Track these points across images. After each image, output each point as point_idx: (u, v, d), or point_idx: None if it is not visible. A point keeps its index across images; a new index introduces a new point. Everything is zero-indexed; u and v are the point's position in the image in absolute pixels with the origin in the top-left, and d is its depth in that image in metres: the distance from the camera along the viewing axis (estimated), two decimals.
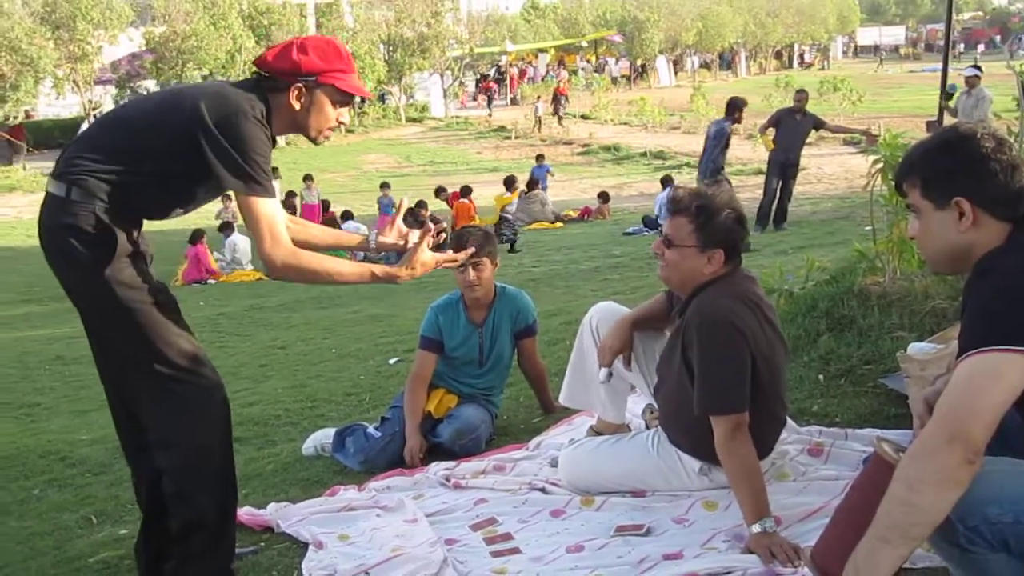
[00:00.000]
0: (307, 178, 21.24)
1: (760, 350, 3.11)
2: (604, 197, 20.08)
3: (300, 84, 2.95)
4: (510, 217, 16.70)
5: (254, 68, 3.04)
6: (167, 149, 2.85)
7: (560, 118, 37.49)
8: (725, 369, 3.06)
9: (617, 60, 55.01)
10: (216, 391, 3.01)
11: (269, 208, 2.87)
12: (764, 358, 3.13)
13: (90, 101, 31.26)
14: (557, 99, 38.27)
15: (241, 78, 3.02)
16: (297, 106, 2.97)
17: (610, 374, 3.65)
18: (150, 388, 2.93)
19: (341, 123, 3.09)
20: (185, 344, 2.95)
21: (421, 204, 17.86)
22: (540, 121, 36.85)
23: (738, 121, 12.99)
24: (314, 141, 3.11)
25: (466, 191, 18.31)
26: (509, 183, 18.07)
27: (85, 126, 26.50)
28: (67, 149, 2.96)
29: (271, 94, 2.96)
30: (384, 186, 20.44)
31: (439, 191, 18.61)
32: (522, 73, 49.93)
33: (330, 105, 3.01)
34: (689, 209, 3.19)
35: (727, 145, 12.68)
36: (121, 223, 2.87)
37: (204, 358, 3.01)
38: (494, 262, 4.53)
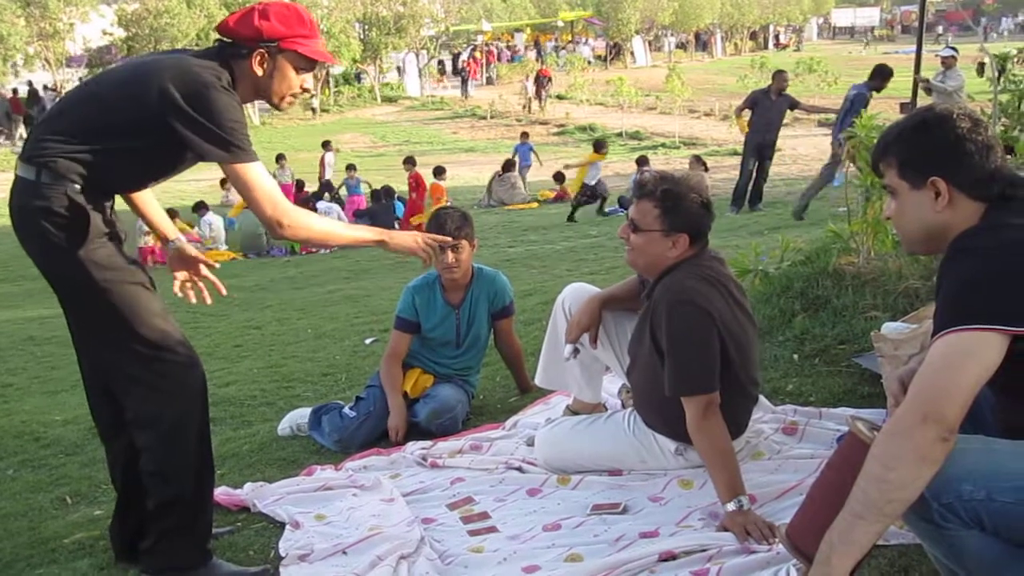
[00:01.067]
0: (280, 158, 21.10)
1: (728, 330, 3.13)
2: (560, 178, 19.95)
3: (262, 50, 2.92)
4: (593, 183, 16.58)
5: (216, 35, 3.01)
6: (139, 127, 2.82)
7: (541, 101, 36.72)
8: (693, 350, 3.08)
9: (593, 39, 54.94)
10: (193, 368, 3.00)
11: (257, 171, 2.86)
12: (732, 337, 3.15)
13: (62, 81, 30.94)
14: (540, 81, 37.33)
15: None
16: (260, 72, 2.95)
17: (576, 351, 3.68)
18: (128, 366, 2.92)
19: (305, 89, 3.06)
20: (161, 322, 2.94)
21: (389, 191, 17.82)
22: (531, 102, 36.28)
23: (878, 89, 12.97)
24: (277, 107, 3.09)
25: (439, 171, 18.25)
26: (598, 146, 17.81)
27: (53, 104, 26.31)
28: (35, 130, 2.93)
29: (234, 61, 2.93)
30: (350, 168, 20.27)
31: (408, 160, 18.47)
32: (488, 55, 49.21)
33: (293, 71, 2.99)
34: (654, 193, 3.20)
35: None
36: (94, 202, 2.84)
37: (180, 336, 3.00)
38: (472, 244, 4.52)
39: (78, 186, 2.80)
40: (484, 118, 35.58)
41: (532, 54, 49.08)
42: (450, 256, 4.42)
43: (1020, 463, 1.90)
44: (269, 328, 8.56)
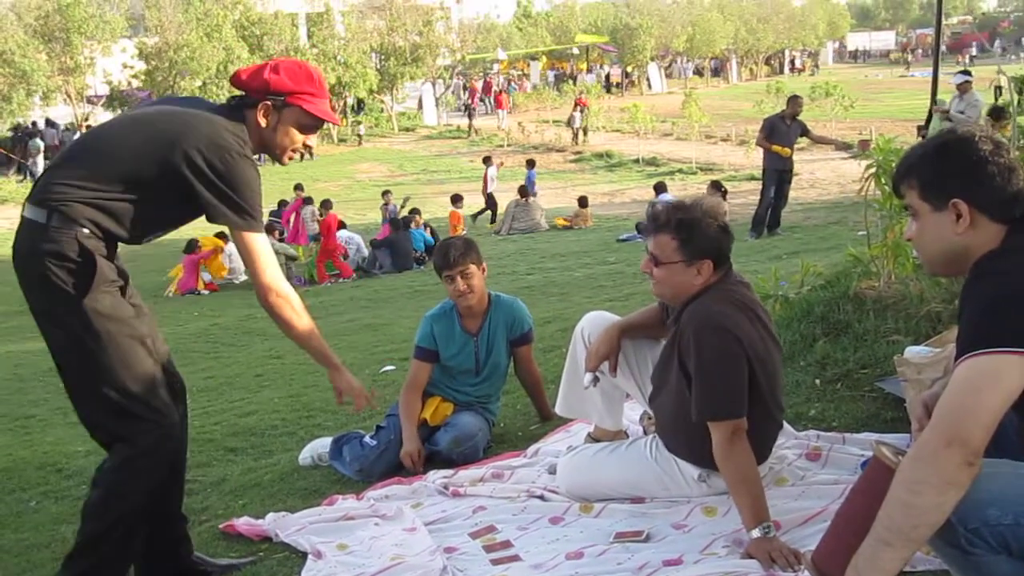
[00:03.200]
0: (298, 187, 21.22)
1: (756, 354, 3.11)
2: (582, 202, 19.99)
3: (268, 102, 2.97)
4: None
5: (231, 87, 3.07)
6: (160, 183, 2.85)
7: (580, 131, 34.74)
8: (722, 375, 3.06)
9: (608, 66, 55.15)
10: (169, 440, 3.01)
11: (262, 241, 2.95)
12: (760, 362, 3.13)
13: (83, 115, 31.24)
14: (578, 110, 35.13)
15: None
16: (264, 123, 2.99)
17: (596, 379, 3.66)
18: (107, 419, 2.94)
19: (307, 146, 3.14)
20: (150, 383, 2.94)
21: (415, 211, 17.91)
22: (578, 133, 34.56)
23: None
24: (279, 160, 3.13)
25: (456, 199, 18.34)
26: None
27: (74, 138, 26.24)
28: (46, 173, 2.95)
29: (241, 112, 3.00)
30: (386, 193, 20.40)
31: (455, 199, 18.54)
32: (486, 87, 48.67)
33: (296, 127, 3.03)
34: (670, 225, 3.18)
35: None
36: (103, 249, 2.87)
37: (167, 401, 3.00)
38: (481, 268, 4.51)
39: (87, 230, 2.82)
40: (501, 146, 35.70)
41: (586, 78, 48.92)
42: (461, 283, 4.42)
43: None
44: (290, 357, 8.57)
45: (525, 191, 19.88)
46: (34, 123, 33.66)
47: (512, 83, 51.05)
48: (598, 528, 3.36)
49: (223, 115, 2.97)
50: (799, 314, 4.91)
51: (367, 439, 4.47)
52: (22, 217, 2.89)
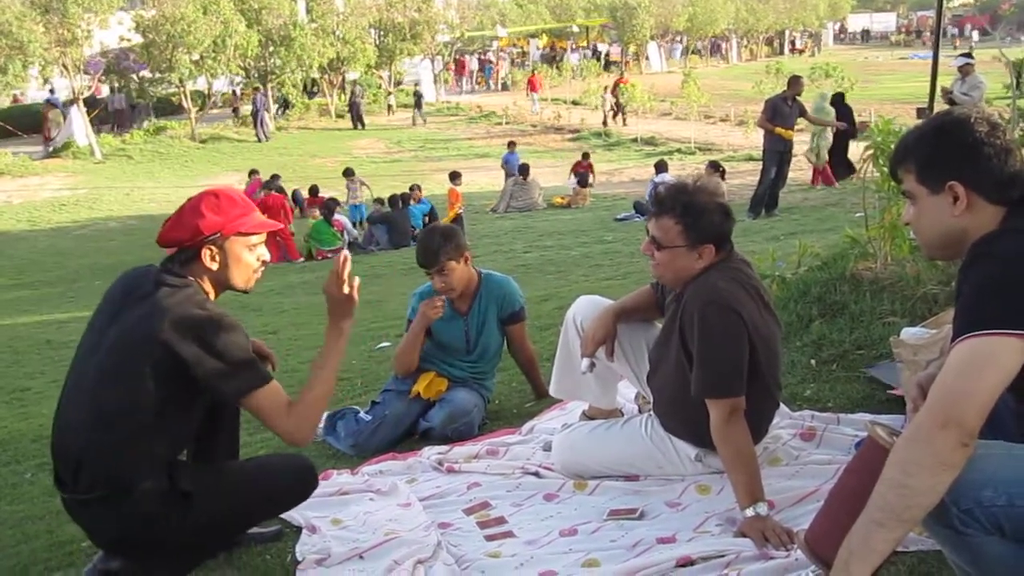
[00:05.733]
0: (252, 172, 21.17)
1: (758, 332, 3.11)
2: (582, 181, 19.92)
3: (209, 245, 2.91)
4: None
5: (163, 248, 2.97)
6: (156, 392, 2.79)
7: (622, 113, 32.96)
8: (724, 353, 3.06)
9: (608, 44, 54.95)
10: None
11: (266, 395, 2.84)
12: (761, 340, 3.13)
13: (84, 85, 31.05)
14: (616, 90, 33.00)
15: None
16: (214, 266, 2.93)
17: (592, 364, 3.65)
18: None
19: (264, 262, 3.05)
20: None
21: (415, 187, 17.87)
22: (610, 114, 33.07)
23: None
24: (244, 291, 3.07)
25: (454, 176, 18.29)
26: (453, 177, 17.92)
27: (74, 112, 26.04)
28: (66, 463, 2.87)
29: (188, 266, 2.92)
30: (348, 173, 20.32)
31: (453, 176, 18.46)
32: (482, 62, 48.65)
33: (247, 250, 2.98)
34: (674, 210, 3.16)
35: None
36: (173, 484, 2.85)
37: None
38: (461, 259, 4.46)
39: (152, 486, 2.80)
40: (500, 123, 35.59)
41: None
42: (438, 282, 4.42)
43: None
44: (285, 333, 8.58)
45: (525, 170, 19.81)
46: (52, 90, 33.69)
47: (513, 60, 50.91)
48: (592, 505, 3.37)
49: (173, 285, 2.87)
50: (796, 294, 4.91)
51: (362, 414, 4.48)
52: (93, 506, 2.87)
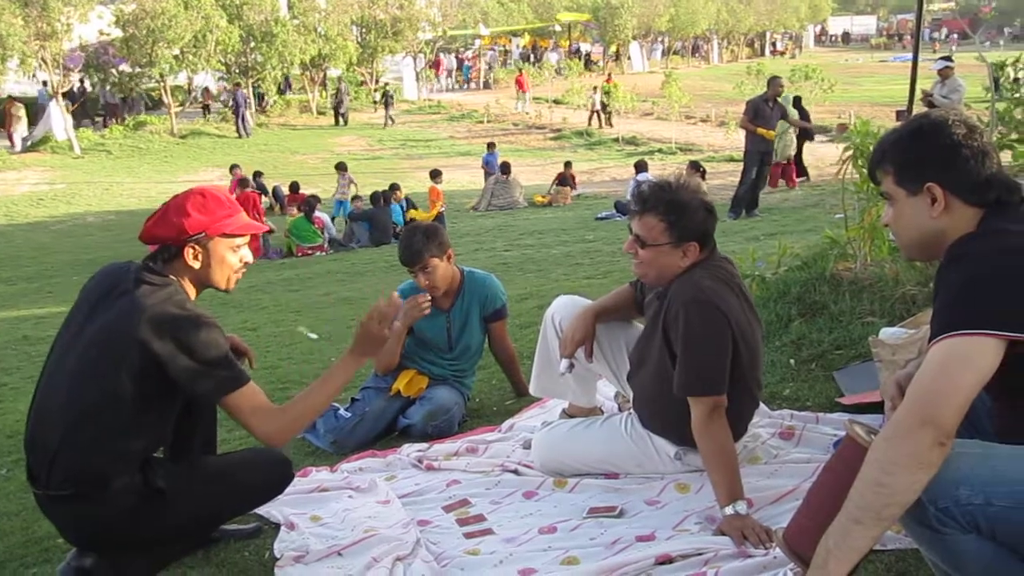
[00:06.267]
0: (234, 168, 21.08)
1: (741, 331, 3.12)
2: (562, 180, 19.87)
3: (192, 244, 2.89)
4: None
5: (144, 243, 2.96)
6: (132, 390, 2.77)
7: (606, 114, 32.39)
8: (707, 351, 3.06)
9: (591, 44, 55.03)
10: None
11: (243, 396, 2.82)
12: (744, 339, 3.14)
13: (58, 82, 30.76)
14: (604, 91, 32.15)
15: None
16: (196, 265, 2.91)
17: (571, 365, 3.64)
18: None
19: (246, 264, 3.04)
20: None
21: (394, 186, 17.83)
22: (596, 116, 32.44)
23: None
24: (225, 290, 3.05)
25: (435, 174, 18.26)
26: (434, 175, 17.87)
27: (52, 106, 25.82)
28: (40, 459, 2.84)
29: (170, 264, 2.91)
30: (342, 168, 20.29)
31: (434, 174, 18.41)
32: (459, 61, 48.40)
33: (230, 251, 2.96)
34: (658, 207, 3.15)
35: None
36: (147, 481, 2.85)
37: None
38: (444, 257, 4.46)
39: (127, 481, 2.80)
40: (481, 122, 35.56)
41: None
42: (421, 279, 4.41)
43: (1017, 468, 1.90)
44: (265, 330, 8.55)
45: (507, 168, 19.81)
46: (45, 83, 33.47)
47: (496, 60, 50.87)
48: (572, 503, 3.37)
49: (153, 283, 2.85)
50: (776, 294, 4.93)
51: (342, 411, 4.46)
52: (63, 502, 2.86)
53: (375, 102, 39.30)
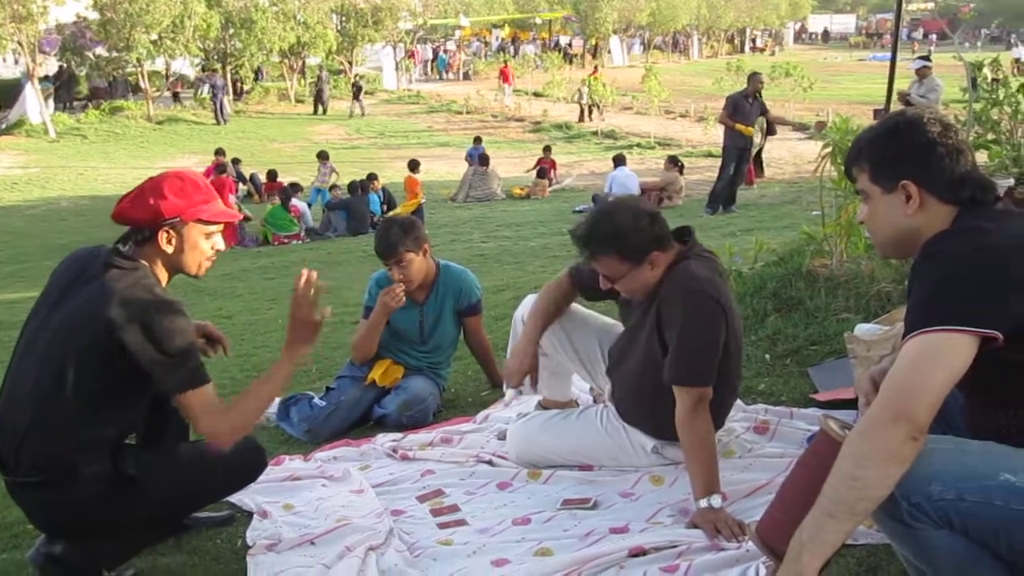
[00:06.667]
0: (219, 152, 21.00)
1: (732, 322, 3.14)
2: (540, 173, 19.88)
3: (166, 228, 2.85)
4: None
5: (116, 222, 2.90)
6: (100, 375, 2.73)
7: (596, 107, 31.21)
8: (702, 342, 3.06)
9: (572, 37, 54.99)
10: None
11: (199, 395, 2.75)
12: (734, 330, 3.16)
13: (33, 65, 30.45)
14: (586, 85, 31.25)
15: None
16: (169, 249, 2.87)
17: (519, 392, 3.61)
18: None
19: (218, 251, 3.00)
20: None
21: (372, 176, 17.77)
22: (587, 110, 31.38)
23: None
24: (195, 277, 3.01)
25: (413, 165, 18.21)
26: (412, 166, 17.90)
27: (28, 89, 25.56)
28: (8, 444, 2.80)
29: (141, 248, 2.87)
30: (323, 156, 20.23)
31: (412, 165, 18.35)
32: (435, 52, 48.28)
33: (203, 237, 2.92)
34: (601, 247, 3.11)
35: None
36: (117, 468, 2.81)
37: None
38: (420, 251, 4.44)
39: (92, 467, 2.76)
40: (460, 113, 35.48)
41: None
42: (396, 273, 4.40)
43: (989, 463, 1.91)
44: (240, 318, 8.51)
45: (485, 160, 19.78)
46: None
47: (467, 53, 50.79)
48: (546, 495, 3.37)
49: (123, 267, 2.81)
50: (752, 289, 4.95)
51: (316, 400, 4.46)
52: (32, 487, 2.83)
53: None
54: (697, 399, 3.04)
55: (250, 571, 2.96)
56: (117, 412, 2.82)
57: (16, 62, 32.97)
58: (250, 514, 3.40)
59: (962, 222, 2.07)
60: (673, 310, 3.09)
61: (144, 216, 2.85)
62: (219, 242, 3.00)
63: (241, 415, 2.81)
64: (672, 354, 3.09)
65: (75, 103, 34.96)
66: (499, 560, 2.89)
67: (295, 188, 17.12)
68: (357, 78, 38.32)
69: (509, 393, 3.61)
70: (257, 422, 3.03)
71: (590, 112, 31.46)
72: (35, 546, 3.01)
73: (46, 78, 32.34)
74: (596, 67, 37.86)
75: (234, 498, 3.48)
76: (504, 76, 37.56)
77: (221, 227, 3.00)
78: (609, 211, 3.15)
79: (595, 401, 3.97)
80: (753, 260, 5.44)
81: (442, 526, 3.23)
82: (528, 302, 3.86)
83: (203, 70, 35.22)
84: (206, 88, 34.59)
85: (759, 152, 16.60)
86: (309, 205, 17.41)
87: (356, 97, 36.00)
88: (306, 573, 2.85)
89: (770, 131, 15.99)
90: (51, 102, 30.97)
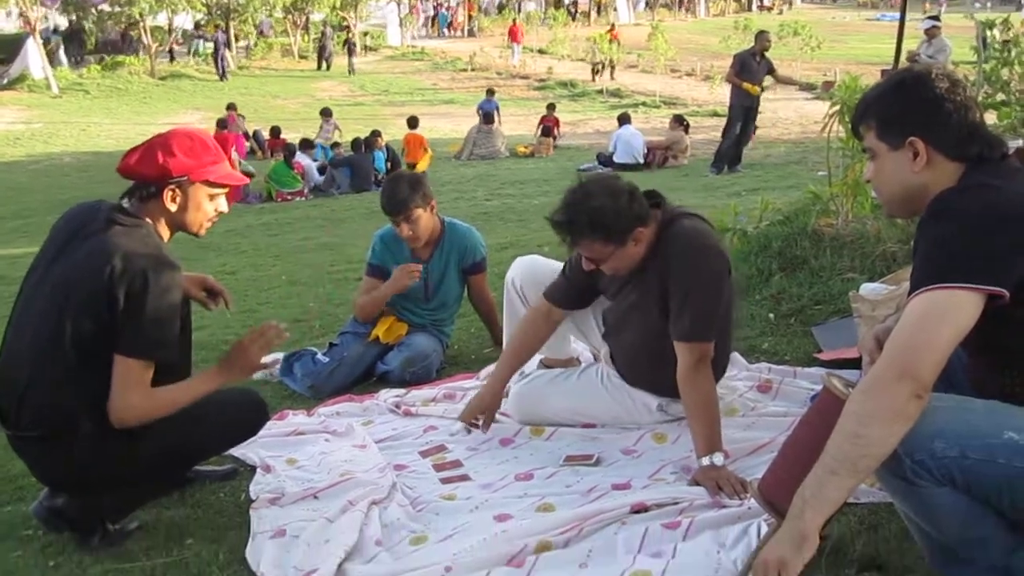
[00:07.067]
0: (230, 107, 20.88)
1: (732, 276, 3.14)
2: (545, 131, 19.72)
3: (172, 186, 2.83)
4: None
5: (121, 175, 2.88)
6: (100, 329, 2.70)
7: (603, 66, 30.57)
8: (710, 298, 3.05)
9: None
10: None
11: (138, 367, 2.72)
12: (733, 288, 3.15)
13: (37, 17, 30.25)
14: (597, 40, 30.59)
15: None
16: (173, 208, 2.86)
17: (468, 430, 3.55)
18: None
19: (220, 213, 2.98)
20: None
21: (376, 133, 17.69)
22: (601, 67, 30.70)
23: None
24: (196, 235, 3.00)
25: (412, 122, 18.13)
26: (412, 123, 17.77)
27: (29, 43, 25.44)
28: (9, 399, 2.80)
29: (145, 204, 2.85)
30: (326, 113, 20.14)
31: (412, 121, 18.27)
32: (436, 8, 47.74)
33: (207, 199, 2.91)
34: (583, 232, 3.05)
35: None
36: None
37: None
38: (428, 207, 4.42)
39: (92, 421, 2.75)
40: (464, 70, 35.26)
41: None
42: (405, 229, 4.37)
43: (993, 422, 1.91)
44: (243, 274, 8.50)
45: (491, 117, 19.67)
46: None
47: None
48: (548, 451, 3.38)
49: (127, 224, 2.79)
50: (756, 248, 4.94)
51: (319, 356, 4.46)
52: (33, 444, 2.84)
53: (365, 46, 38.73)
54: (699, 356, 3.04)
55: (253, 524, 2.97)
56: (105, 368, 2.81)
57: (20, 15, 32.77)
58: (253, 468, 3.41)
59: (969, 179, 2.05)
60: (681, 269, 3.06)
61: (151, 172, 2.84)
62: (222, 204, 2.99)
63: (157, 405, 2.79)
64: (680, 311, 3.06)
65: (89, 57, 34.85)
66: (501, 515, 2.89)
67: (307, 144, 17.03)
68: (350, 35, 37.97)
69: (458, 426, 3.57)
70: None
71: (603, 71, 31.03)
72: (38, 499, 3.03)
73: (56, 31, 32.15)
74: (613, 25, 37.27)
75: (238, 452, 3.50)
76: (513, 35, 37.14)
77: (227, 190, 2.99)
78: (586, 194, 3.05)
79: (595, 359, 3.96)
80: (758, 219, 5.41)
81: (445, 481, 3.24)
82: (520, 264, 3.84)
83: (197, 27, 34.94)
84: (200, 44, 34.34)
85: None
86: (316, 161, 17.32)
87: (349, 54, 35.72)
88: (309, 527, 2.86)
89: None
90: (61, 54, 30.79)
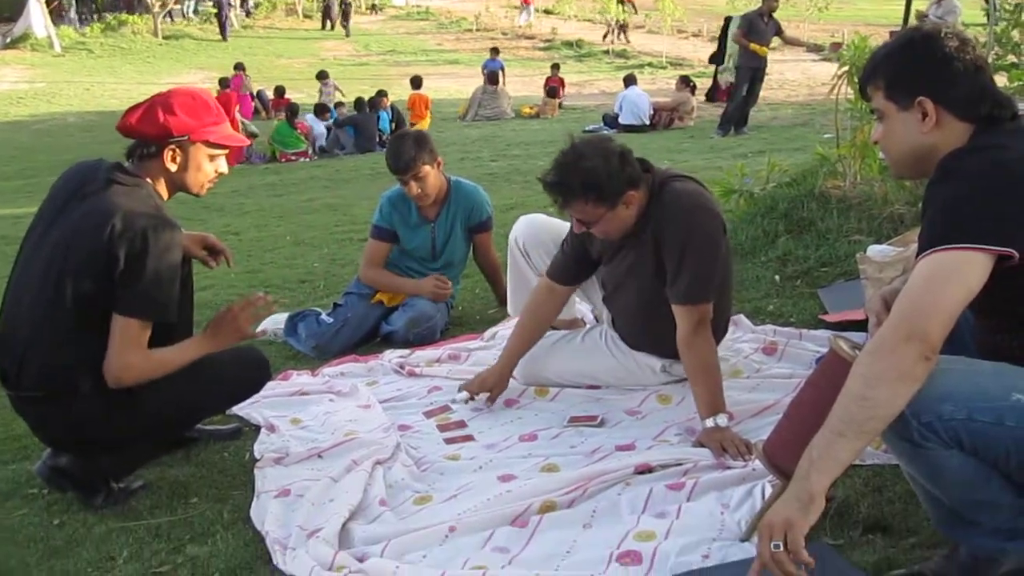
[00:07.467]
0: (238, 67, 20.76)
1: (728, 238, 3.11)
2: (550, 92, 19.60)
3: (173, 145, 2.81)
4: None
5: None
6: (100, 289, 2.70)
7: (617, 28, 30.03)
8: (706, 258, 3.04)
9: None
10: None
11: (136, 327, 2.72)
12: (729, 248, 3.14)
13: None
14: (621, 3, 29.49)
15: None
16: (173, 168, 2.85)
17: (468, 399, 3.55)
18: None
19: (220, 174, 2.96)
20: None
21: (381, 92, 17.60)
22: (613, 31, 30.19)
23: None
24: (196, 195, 2.98)
25: (416, 82, 18.03)
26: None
27: (32, 2, 25.30)
28: (10, 359, 2.80)
29: (145, 163, 2.84)
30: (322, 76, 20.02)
31: (415, 81, 18.18)
32: None
33: (207, 159, 2.90)
34: (574, 193, 3.01)
35: None
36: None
37: None
38: (435, 164, 4.39)
39: (93, 381, 2.74)
40: (470, 30, 35.01)
41: None
42: (413, 187, 4.35)
43: (1001, 384, 1.90)
44: (248, 234, 8.48)
45: (495, 77, 19.55)
46: None
47: None
48: (553, 412, 3.38)
49: (127, 183, 2.78)
50: (763, 210, 4.91)
51: (324, 316, 4.45)
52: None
53: (373, 5, 38.35)
54: (699, 319, 3.03)
55: (257, 483, 2.97)
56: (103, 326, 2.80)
57: None
58: (258, 428, 3.42)
59: (979, 139, 2.02)
60: (675, 232, 3.04)
61: (152, 131, 2.82)
62: (223, 165, 2.98)
63: (153, 365, 2.79)
64: (678, 273, 3.05)
65: (95, 16, 34.71)
66: (505, 475, 2.90)
67: (323, 109, 16.94)
68: None
69: (461, 396, 3.56)
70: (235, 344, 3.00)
71: (616, 33, 30.66)
72: (42, 459, 3.03)
73: None
74: None
75: (242, 412, 3.50)
76: None
77: (227, 151, 2.97)
78: (578, 155, 3.02)
79: (597, 321, 3.95)
80: (765, 181, 5.38)
81: (449, 441, 3.25)
82: (523, 223, 3.83)
83: None
84: (193, 4, 34.11)
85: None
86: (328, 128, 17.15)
87: (345, 16, 35.41)
88: (313, 486, 2.86)
89: None
90: (72, 13, 30.65)
